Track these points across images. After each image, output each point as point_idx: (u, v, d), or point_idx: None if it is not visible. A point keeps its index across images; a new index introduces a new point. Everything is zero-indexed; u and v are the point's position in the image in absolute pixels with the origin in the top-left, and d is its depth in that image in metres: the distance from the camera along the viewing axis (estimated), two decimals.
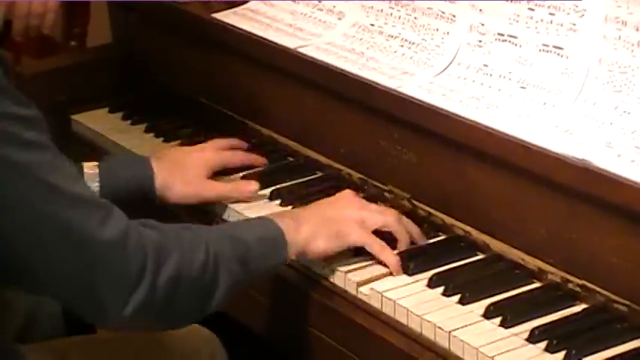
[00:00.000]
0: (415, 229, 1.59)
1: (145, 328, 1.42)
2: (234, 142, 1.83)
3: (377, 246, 1.54)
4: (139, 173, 1.69)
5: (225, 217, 1.71)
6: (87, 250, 1.29)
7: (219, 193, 1.71)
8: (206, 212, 1.73)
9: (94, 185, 1.65)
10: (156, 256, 1.33)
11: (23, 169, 1.25)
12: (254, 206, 1.70)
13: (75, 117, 2.06)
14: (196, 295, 1.38)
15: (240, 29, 1.92)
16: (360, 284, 1.52)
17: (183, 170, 1.71)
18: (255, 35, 1.89)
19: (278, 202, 1.72)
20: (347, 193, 1.61)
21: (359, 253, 1.56)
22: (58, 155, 1.30)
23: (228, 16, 1.97)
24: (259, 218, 1.54)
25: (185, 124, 1.99)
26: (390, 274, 1.53)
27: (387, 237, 1.56)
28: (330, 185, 1.76)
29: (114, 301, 1.31)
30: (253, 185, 1.72)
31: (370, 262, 1.56)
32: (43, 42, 2.40)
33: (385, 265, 1.53)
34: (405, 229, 1.57)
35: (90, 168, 1.66)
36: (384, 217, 1.56)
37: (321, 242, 1.51)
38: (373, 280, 1.52)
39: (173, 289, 1.34)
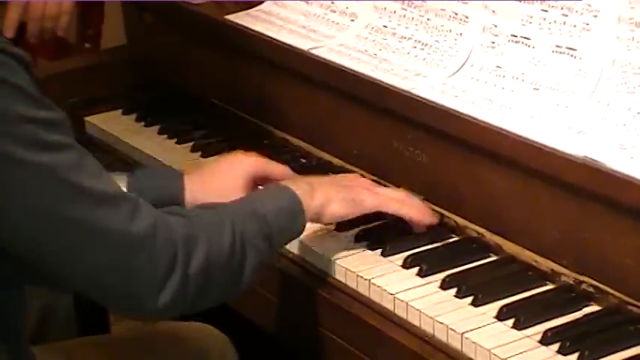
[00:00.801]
0: (423, 208, 1.60)
1: (180, 313, 1.42)
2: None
3: (394, 204, 1.55)
4: (169, 188, 1.61)
5: None
6: (118, 246, 1.30)
7: None
8: None
9: None
10: (185, 245, 1.34)
11: (45, 171, 1.26)
12: None
13: (89, 119, 2.06)
14: (227, 277, 1.39)
15: (254, 31, 1.92)
16: (372, 285, 1.52)
17: (216, 179, 1.61)
18: (268, 37, 1.90)
19: None
20: (354, 174, 1.63)
21: (372, 247, 1.58)
22: (81, 154, 1.30)
23: (241, 18, 1.98)
24: (274, 187, 1.52)
25: (198, 126, 1.99)
26: (403, 274, 1.53)
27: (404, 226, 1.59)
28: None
29: (148, 294, 1.31)
30: None
31: (383, 263, 1.56)
32: (58, 44, 2.41)
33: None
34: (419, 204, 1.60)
35: (118, 178, 1.60)
36: (394, 191, 1.59)
37: (336, 206, 1.52)
38: (386, 281, 1.52)
39: (205, 275, 1.35)
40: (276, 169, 1.64)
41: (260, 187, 1.59)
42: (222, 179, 1.60)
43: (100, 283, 1.31)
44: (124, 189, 1.57)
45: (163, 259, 1.31)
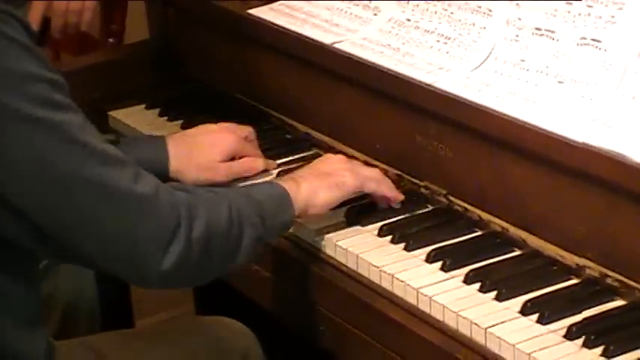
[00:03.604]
0: (395, 195, 1.65)
1: (183, 284, 1.46)
2: (250, 133, 1.81)
3: (373, 183, 1.62)
4: (154, 157, 1.71)
5: None
6: (124, 205, 1.32)
7: (231, 175, 1.75)
8: None
9: None
10: (187, 211, 1.37)
11: (56, 128, 1.28)
12: None
13: (112, 113, 2.07)
14: (226, 248, 1.42)
15: (277, 25, 1.92)
16: (395, 280, 1.51)
17: (200, 154, 1.72)
18: (291, 31, 1.89)
19: None
20: (331, 154, 1.68)
21: (395, 242, 1.58)
22: (85, 118, 1.33)
23: (264, 12, 1.98)
24: (263, 181, 1.60)
25: (221, 121, 1.98)
26: (426, 269, 1.53)
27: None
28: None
29: (152, 255, 1.34)
30: (260, 162, 1.76)
31: (406, 258, 1.55)
32: (82, 39, 2.41)
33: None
34: (389, 181, 1.65)
35: None
36: (370, 170, 1.65)
37: (322, 194, 1.57)
38: (409, 276, 1.51)
39: (206, 241, 1.38)
40: (251, 151, 1.78)
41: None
42: (205, 153, 1.73)
43: (105, 242, 1.33)
44: None
45: (168, 222, 1.34)
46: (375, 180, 1.62)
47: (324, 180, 1.58)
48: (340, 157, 1.66)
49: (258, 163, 1.77)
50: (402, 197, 1.65)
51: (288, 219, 1.53)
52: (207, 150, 1.73)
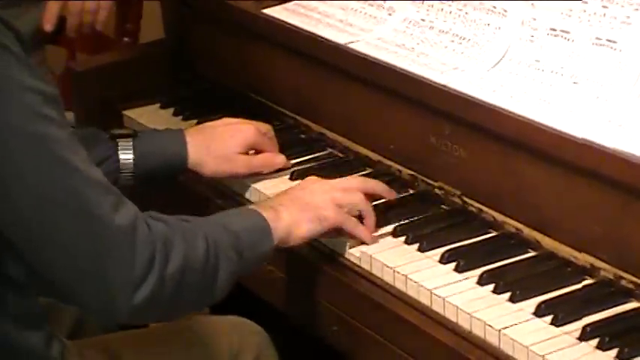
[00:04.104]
0: (382, 188, 1.64)
1: (155, 319, 1.43)
2: (269, 130, 1.80)
3: (351, 223, 1.57)
4: (173, 149, 1.71)
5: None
6: (100, 232, 1.29)
7: (250, 168, 1.75)
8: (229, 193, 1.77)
9: (128, 157, 1.68)
10: (163, 247, 1.34)
11: (40, 141, 1.26)
12: None
13: (126, 112, 2.07)
14: (201, 283, 1.39)
15: (291, 25, 1.92)
16: (409, 281, 1.51)
17: (219, 146, 1.72)
18: (305, 31, 1.89)
19: None
20: (314, 179, 1.63)
21: (409, 242, 1.58)
22: (74, 136, 1.31)
23: (278, 12, 1.98)
24: (243, 209, 1.56)
25: None
26: (440, 269, 1.52)
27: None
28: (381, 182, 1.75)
29: (123, 290, 1.30)
30: (281, 158, 1.76)
31: (420, 258, 1.55)
32: (97, 38, 2.42)
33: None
34: (371, 209, 1.60)
35: (124, 140, 1.69)
36: (352, 196, 1.59)
37: (304, 226, 1.53)
38: (423, 277, 1.51)
39: (180, 278, 1.35)
40: (270, 147, 1.77)
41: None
42: (224, 145, 1.72)
43: (76, 270, 1.30)
44: (131, 152, 1.68)
45: (142, 257, 1.31)
46: (353, 221, 1.57)
47: (306, 212, 1.53)
48: (323, 185, 1.60)
49: (278, 159, 1.77)
50: (374, 236, 1.60)
51: (267, 250, 1.49)
52: (226, 141, 1.73)
